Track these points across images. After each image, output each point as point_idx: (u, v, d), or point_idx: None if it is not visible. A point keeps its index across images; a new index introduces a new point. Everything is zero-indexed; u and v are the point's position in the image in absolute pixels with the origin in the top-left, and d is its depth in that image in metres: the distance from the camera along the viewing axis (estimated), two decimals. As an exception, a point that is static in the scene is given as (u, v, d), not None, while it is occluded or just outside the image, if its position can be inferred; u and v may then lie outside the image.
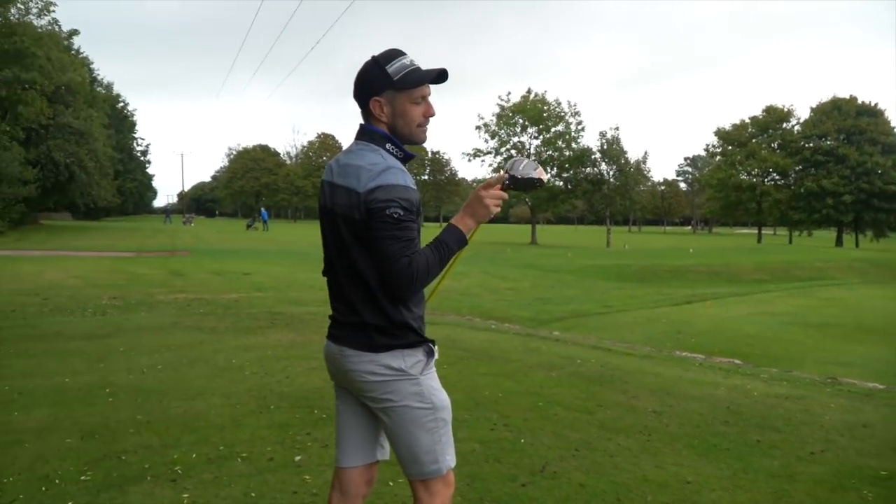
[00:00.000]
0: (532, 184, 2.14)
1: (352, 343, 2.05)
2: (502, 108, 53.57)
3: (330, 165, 2.14)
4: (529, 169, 2.13)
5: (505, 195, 2.10)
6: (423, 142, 2.13)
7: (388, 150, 2.07)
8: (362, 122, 2.13)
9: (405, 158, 2.11)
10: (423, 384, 2.06)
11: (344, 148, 2.17)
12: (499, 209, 2.11)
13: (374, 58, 2.09)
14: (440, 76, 2.09)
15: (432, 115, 2.12)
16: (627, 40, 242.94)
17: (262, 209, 56.61)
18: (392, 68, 2.05)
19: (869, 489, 3.50)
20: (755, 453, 4.01)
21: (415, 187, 2.00)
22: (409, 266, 1.91)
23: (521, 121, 52.96)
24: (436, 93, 2.16)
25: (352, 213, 1.97)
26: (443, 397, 2.11)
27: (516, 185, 2.11)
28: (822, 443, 4.21)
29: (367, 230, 1.95)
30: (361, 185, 1.96)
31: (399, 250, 1.91)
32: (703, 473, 3.67)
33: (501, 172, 2.14)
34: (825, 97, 59.33)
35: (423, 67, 2.09)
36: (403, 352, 2.04)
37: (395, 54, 2.08)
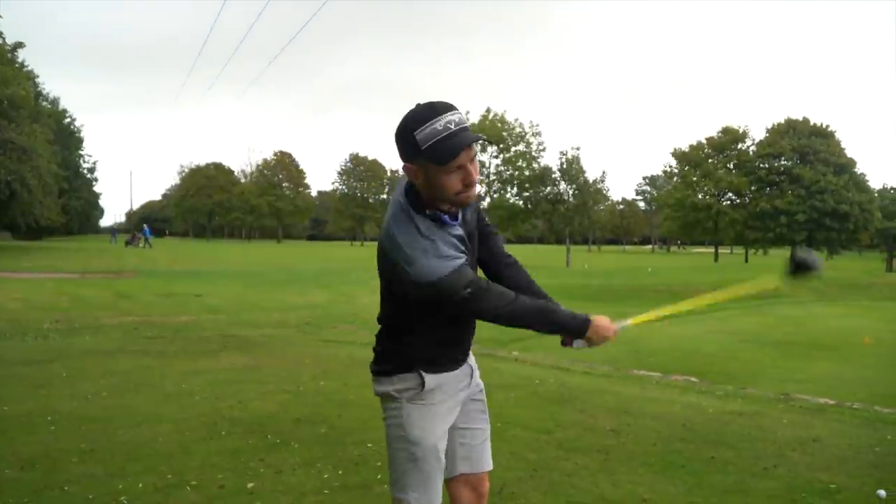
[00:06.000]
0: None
1: None
2: (459, 126, 53.34)
3: None
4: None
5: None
6: (468, 204, 1.99)
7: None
8: None
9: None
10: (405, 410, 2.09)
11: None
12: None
13: (405, 118, 1.86)
14: (475, 141, 1.85)
15: (472, 181, 1.89)
16: (590, 63, 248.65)
17: (145, 226, 58.94)
18: (421, 135, 1.81)
19: (819, 502, 3.54)
20: (710, 469, 4.03)
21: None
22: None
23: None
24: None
25: None
26: (418, 434, 2.07)
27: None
28: (774, 458, 4.26)
29: None
30: None
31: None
32: (658, 491, 3.68)
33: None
34: (780, 119, 60.88)
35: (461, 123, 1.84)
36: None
37: (428, 115, 1.82)
